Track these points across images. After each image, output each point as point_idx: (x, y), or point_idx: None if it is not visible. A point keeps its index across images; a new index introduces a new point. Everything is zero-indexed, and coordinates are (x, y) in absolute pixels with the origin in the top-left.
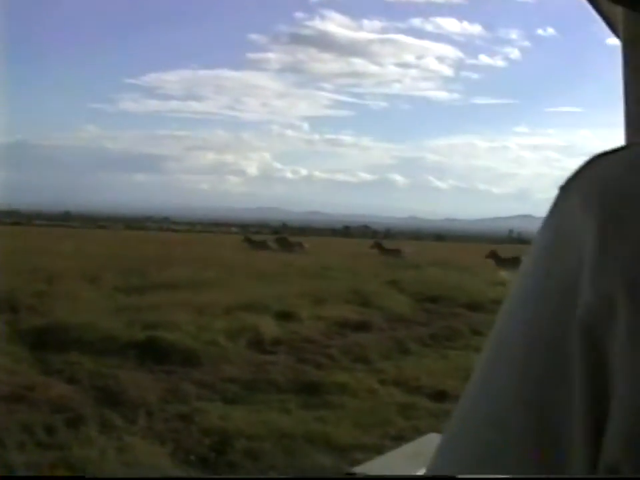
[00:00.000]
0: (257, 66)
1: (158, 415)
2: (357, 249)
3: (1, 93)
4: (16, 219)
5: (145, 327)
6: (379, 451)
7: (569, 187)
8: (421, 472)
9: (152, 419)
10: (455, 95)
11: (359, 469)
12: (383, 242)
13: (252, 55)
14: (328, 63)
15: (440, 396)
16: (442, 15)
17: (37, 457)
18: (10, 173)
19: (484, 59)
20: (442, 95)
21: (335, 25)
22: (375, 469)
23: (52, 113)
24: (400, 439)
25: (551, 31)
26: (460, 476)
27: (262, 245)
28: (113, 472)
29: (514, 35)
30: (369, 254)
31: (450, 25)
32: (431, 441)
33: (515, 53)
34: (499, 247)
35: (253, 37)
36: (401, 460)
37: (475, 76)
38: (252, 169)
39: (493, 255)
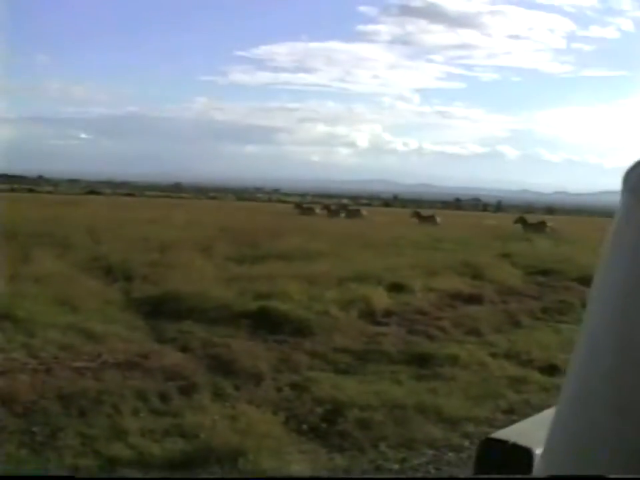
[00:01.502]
0: (367, 38)
1: (270, 384)
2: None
3: (112, 67)
4: (128, 189)
5: (257, 296)
6: (490, 423)
7: None
8: None
9: (264, 388)
10: (567, 67)
11: (498, 435)
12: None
13: (362, 27)
14: (438, 34)
15: (551, 369)
16: None
17: (151, 424)
18: (122, 145)
19: (595, 30)
20: (553, 66)
21: None
22: (514, 435)
23: (163, 85)
24: (511, 412)
25: None
26: (612, 476)
27: (309, 211)
28: (224, 440)
29: (626, 5)
30: (409, 221)
31: None
32: None
33: (627, 24)
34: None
35: (363, 9)
36: (538, 426)
37: (586, 47)
38: (362, 141)
39: (521, 220)
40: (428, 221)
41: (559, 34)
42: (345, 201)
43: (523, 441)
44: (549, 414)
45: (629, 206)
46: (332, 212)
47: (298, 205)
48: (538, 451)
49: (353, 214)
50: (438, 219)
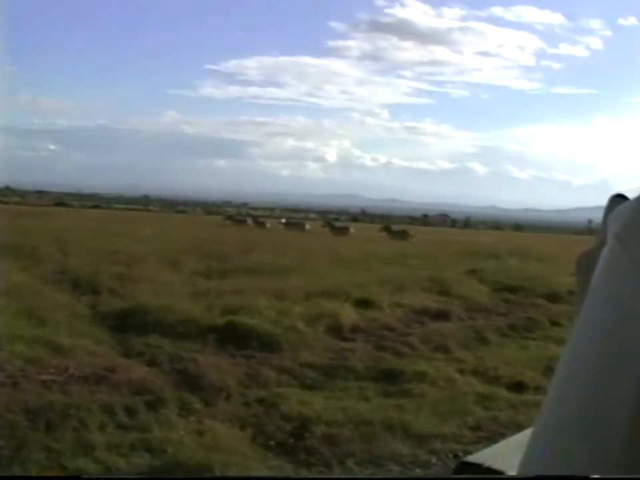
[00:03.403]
0: (337, 53)
1: (237, 399)
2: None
3: (83, 79)
4: (96, 202)
5: (225, 311)
6: (457, 440)
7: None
8: None
9: (231, 403)
10: (536, 84)
11: (472, 458)
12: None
13: (332, 43)
14: (408, 50)
15: (518, 386)
16: (522, 3)
17: (118, 438)
18: (91, 157)
19: (565, 48)
20: (522, 84)
21: (415, 12)
22: (488, 459)
23: (133, 98)
24: (478, 429)
25: (632, 20)
26: (594, 476)
27: (241, 222)
28: (191, 455)
29: (595, 24)
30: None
31: (531, 13)
32: None
33: (596, 43)
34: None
35: (334, 24)
36: (512, 450)
37: (555, 65)
38: (332, 156)
39: (386, 229)
40: (341, 232)
41: (528, 51)
42: (312, 215)
43: (497, 465)
44: (521, 437)
45: (614, 252)
46: (258, 223)
47: (230, 217)
48: (512, 474)
49: (296, 227)
50: (351, 230)
